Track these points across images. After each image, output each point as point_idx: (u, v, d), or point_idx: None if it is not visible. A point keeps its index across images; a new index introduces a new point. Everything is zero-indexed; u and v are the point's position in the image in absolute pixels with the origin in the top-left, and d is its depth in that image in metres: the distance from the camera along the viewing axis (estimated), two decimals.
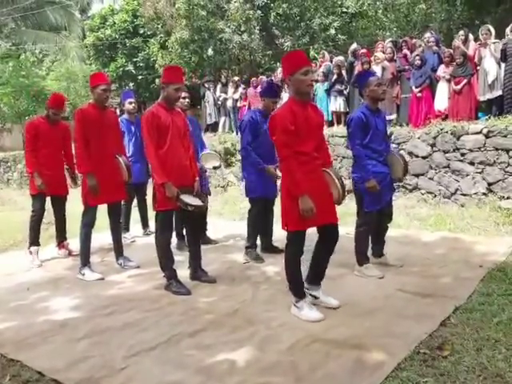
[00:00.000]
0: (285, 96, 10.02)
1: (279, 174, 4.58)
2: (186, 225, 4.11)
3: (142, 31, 16.78)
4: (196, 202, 3.85)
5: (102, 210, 4.53)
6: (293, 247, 3.25)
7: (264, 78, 11.01)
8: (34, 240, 5.03)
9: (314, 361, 2.64)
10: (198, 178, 4.07)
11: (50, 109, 4.96)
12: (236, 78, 11.82)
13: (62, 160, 5.16)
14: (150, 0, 15.08)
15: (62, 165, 5.15)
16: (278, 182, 4.72)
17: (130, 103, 5.79)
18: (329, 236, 3.32)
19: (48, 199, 5.12)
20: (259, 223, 4.79)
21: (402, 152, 7.32)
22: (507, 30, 7.19)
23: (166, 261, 3.93)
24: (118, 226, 4.75)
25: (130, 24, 17.02)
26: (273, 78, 10.83)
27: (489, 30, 7.35)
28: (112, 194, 4.42)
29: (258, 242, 4.86)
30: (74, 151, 4.57)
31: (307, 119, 3.14)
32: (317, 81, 9.19)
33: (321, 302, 3.40)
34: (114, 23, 17.14)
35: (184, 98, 4.81)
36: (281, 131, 3.07)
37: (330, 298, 3.43)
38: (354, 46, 9.69)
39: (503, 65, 7.12)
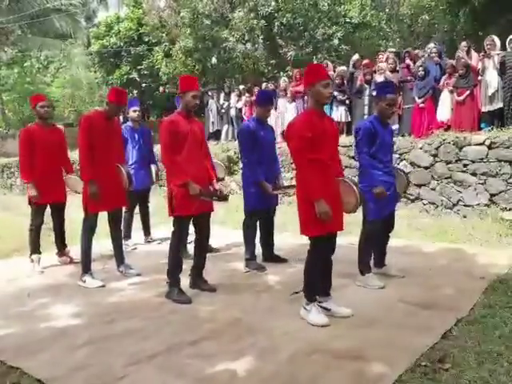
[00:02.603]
0: (283, 103, 10.12)
1: (276, 192, 4.62)
2: (199, 231, 4.10)
3: (146, 39, 16.89)
4: (219, 193, 3.95)
5: (103, 218, 4.54)
6: (315, 253, 3.29)
7: (270, 85, 11.05)
8: (35, 249, 5.03)
9: (314, 372, 2.63)
10: (214, 181, 4.11)
11: (36, 107, 4.87)
12: (241, 87, 11.88)
13: (59, 166, 5.10)
14: (154, 8, 15.23)
15: (59, 171, 5.10)
16: (278, 192, 4.76)
17: (135, 111, 5.83)
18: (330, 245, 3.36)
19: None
20: (255, 234, 4.81)
21: (403, 162, 7.35)
22: (507, 42, 7.21)
23: (174, 267, 3.94)
24: (119, 233, 4.75)
25: (134, 32, 17.13)
26: (270, 86, 10.87)
27: (493, 41, 7.35)
28: (113, 202, 4.43)
29: (258, 251, 4.87)
30: (77, 157, 4.59)
31: (324, 129, 3.24)
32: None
33: (334, 313, 3.40)
34: (119, 31, 17.26)
35: None
36: (298, 138, 3.18)
37: (342, 307, 3.45)
38: (356, 56, 9.75)
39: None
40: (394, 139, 7.60)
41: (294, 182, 3.70)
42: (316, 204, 3.12)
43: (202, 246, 4.18)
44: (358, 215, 4.14)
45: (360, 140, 4.00)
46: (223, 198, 3.99)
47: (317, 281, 3.37)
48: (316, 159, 3.17)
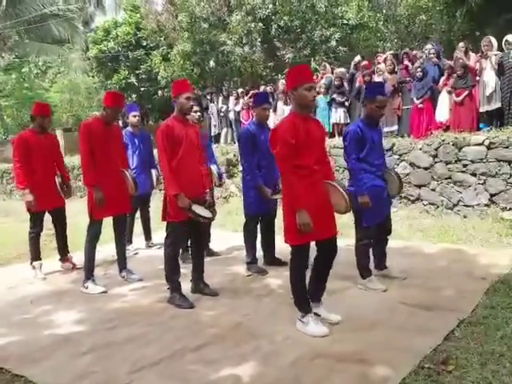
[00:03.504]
0: (281, 106, 10.13)
1: (275, 196, 4.62)
2: (191, 236, 4.13)
3: (144, 43, 16.91)
4: (206, 213, 3.91)
5: (107, 223, 4.54)
6: (296, 261, 3.25)
7: (268, 88, 11.06)
8: (36, 256, 5.04)
9: (318, 376, 2.64)
10: (208, 190, 4.12)
11: (38, 116, 4.93)
12: (240, 90, 11.89)
13: (55, 171, 5.10)
14: (152, 13, 15.25)
15: (55, 176, 5.09)
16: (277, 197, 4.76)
17: (134, 116, 5.84)
18: (327, 249, 3.31)
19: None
20: (256, 238, 4.81)
21: (403, 163, 7.37)
22: (503, 43, 7.22)
23: (171, 273, 3.94)
24: (123, 238, 4.77)
25: (132, 36, 17.13)
26: (269, 89, 10.88)
27: (490, 42, 7.36)
28: (117, 207, 4.44)
29: (259, 254, 4.87)
30: (77, 162, 4.60)
31: (308, 133, 3.15)
32: (318, 93, 9.22)
33: (323, 318, 3.37)
34: (117, 36, 17.25)
35: (196, 111, 4.88)
36: (281, 144, 3.09)
37: (331, 314, 3.41)
38: (358, 58, 9.75)
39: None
40: (394, 140, 7.69)
41: None
42: (297, 214, 3.04)
43: (197, 249, 4.19)
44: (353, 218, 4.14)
45: (348, 145, 3.94)
46: (209, 219, 3.98)
47: (304, 289, 3.29)
48: (301, 165, 3.10)
